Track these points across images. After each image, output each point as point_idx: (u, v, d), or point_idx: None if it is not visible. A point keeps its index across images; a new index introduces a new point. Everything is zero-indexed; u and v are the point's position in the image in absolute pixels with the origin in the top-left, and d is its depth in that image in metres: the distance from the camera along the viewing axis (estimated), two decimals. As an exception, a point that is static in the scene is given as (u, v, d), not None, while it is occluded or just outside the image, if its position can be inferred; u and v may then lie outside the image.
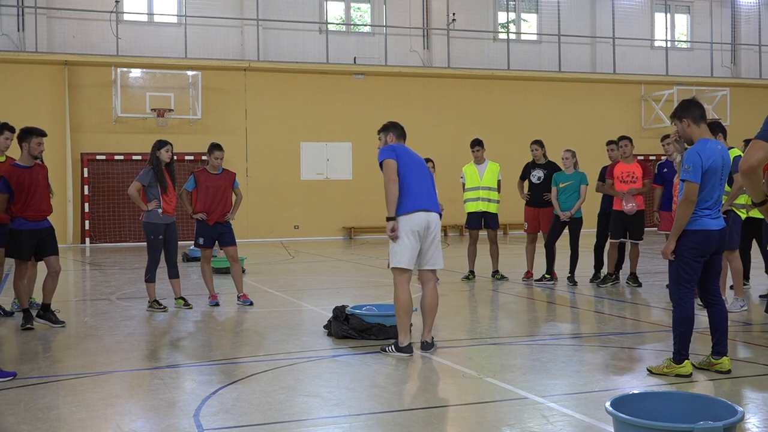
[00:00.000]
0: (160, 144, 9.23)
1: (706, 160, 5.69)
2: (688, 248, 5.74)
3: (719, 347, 5.89)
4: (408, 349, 6.54)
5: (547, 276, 11.27)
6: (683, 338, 5.79)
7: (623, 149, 10.90)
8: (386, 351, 6.65)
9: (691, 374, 5.80)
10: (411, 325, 6.81)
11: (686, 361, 5.82)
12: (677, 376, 5.79)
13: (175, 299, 9.35)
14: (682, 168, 5.77)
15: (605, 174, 11.01)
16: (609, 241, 10.99)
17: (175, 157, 9.39)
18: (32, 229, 8.00)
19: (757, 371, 5.99)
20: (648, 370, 5.98)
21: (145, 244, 9.28)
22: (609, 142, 11.36)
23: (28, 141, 7.97)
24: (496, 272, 11.75)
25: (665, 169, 10.31)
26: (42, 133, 8.05)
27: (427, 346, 6.72)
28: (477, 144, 11.76)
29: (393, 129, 7.07)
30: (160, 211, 9.07)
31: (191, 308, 9.29)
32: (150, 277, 9.19)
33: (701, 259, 5.78)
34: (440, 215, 6.76)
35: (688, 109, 5.86)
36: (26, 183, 7.92)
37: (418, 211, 6.54)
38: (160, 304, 9.21)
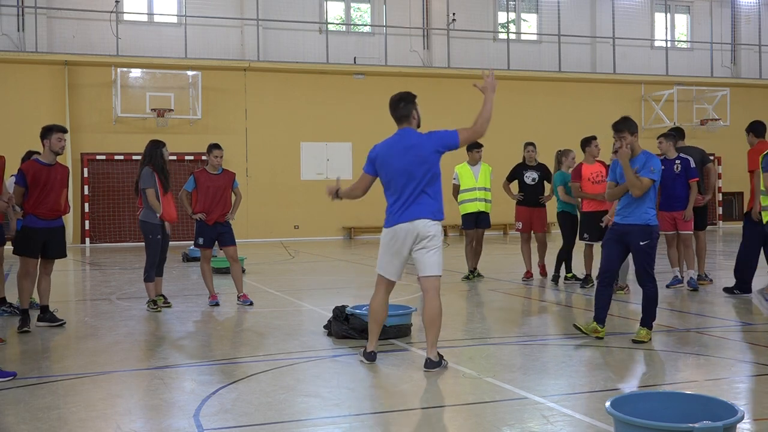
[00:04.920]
0: (159, 144, 9.21)
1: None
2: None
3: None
4: (368, 357, 6.29)
5: (568, 275, 11.21)
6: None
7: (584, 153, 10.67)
8: (359, 354, 6.45)
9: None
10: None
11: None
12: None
13: (156, 295, 9.31)
14: (647, 169, 6.94)
15: (572, 176, 10.66)
16: (578, 242, 10.89)
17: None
18: (43, 227, 8.00)
19: (757, 371, 5.99)
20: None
21: (143, 243, 9.28)
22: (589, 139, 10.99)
23: (49, 137, 8.01)
24: (473, 270, 11.78)
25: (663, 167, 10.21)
26: (63, 129, 8.12)
27: (429, 363, 6.03)
28: (479, 145, 11.72)
29: (390, 108, 6.28)
30: (158, 215, 9.05)
31: (170, 306, 9.29)
32: (148, 277, 9.17)
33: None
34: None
35: (631, 126, 7.05)
36: (42, 180, 7.91)
37: (392, 226, 6.11)
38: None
